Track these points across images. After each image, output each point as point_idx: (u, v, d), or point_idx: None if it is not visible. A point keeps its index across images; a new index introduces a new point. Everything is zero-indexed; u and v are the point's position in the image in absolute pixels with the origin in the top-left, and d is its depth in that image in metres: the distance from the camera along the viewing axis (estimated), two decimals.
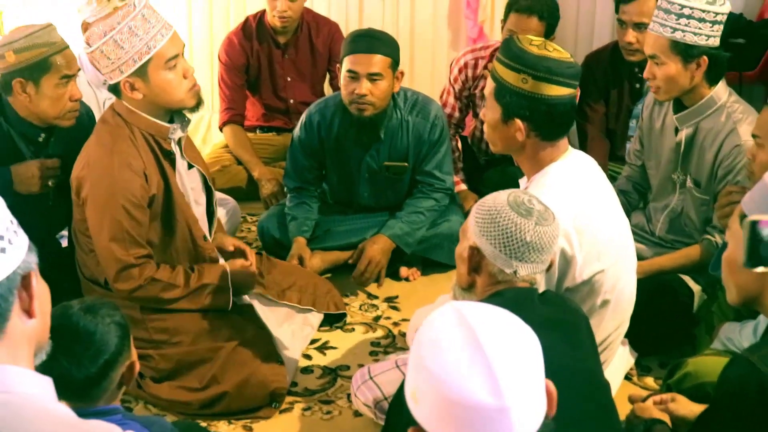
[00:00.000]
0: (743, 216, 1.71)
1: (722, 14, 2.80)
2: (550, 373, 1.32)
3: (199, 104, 2.79)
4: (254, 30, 4.35)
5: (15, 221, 1.36)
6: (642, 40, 3.51)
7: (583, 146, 3.92)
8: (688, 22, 2.78)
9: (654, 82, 2.91)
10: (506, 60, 2.30)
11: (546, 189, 2.25)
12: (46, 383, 1.38)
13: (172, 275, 2.78)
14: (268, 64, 4.39)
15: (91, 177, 2.69)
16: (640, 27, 3.56)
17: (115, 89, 2.71)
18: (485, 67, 3.85)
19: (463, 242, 2.01)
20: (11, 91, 2.89)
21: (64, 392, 1.83)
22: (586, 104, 3.88)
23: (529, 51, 2.26)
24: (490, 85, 2.36)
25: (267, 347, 2.85)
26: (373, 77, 3.33)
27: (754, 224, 1.51)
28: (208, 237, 2.95)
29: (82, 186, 2.71)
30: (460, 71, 3.98)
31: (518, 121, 2.30)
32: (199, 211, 2.95)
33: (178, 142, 2.83)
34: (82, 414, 1.45)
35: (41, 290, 1.40)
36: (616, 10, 3.70)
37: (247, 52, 4.36)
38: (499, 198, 1.95)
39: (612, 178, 3.68)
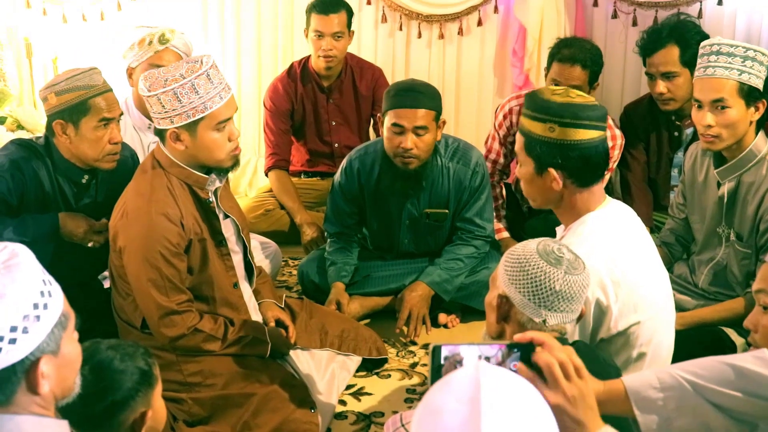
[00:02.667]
0: None
1: None
2: None
3: (234, 166, 2.82)
4: (299, 75, 4.41)
5: (41, 304, 1.37)
6: (673, 89, 3.51)
7: (626, 196, 3.90)
8: (753, 65, 2.78)
9: (712, 130, 2.86)
10: (531, 113, 2.30)
11: (582, 238, 2.24)
12: (62, 426, 1.40)
13: (214, 327, 2.80)
14: (312, 109, 4.44)
15: (128, 226, 2.72)
16: (669, 76, 3.56)
17: (160, 134, 2.75)
18: None
19: (493, 291, 2.00)
20: (54, 133, 2.95)
21: (74, 425, 1.83)
22: (628, 153, 3.87)
23: (552, 100, 2.26)
24: (519, 141, 2.36)
25: (301, 392, 2.84)
26: (418, 131, 3.34)
27: None
28: (239, 285, 2.96)
29: (118, 235, 2.74)
30: (505, 117, 3.98)
31: (552, 171, 2.29)
32: (236, 259, 2.97)
33: (215, 192, 2.86)
34: None
35: (68, 357, 1.42)
36: (644, 64, 3.70)
37: (292, 97, 4.42)
38: (528, 246, 1.93)
39: (657, 228, 3.67)
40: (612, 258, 2.22)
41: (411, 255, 3.70)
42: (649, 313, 2.29)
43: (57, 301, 1.40)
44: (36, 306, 1.37)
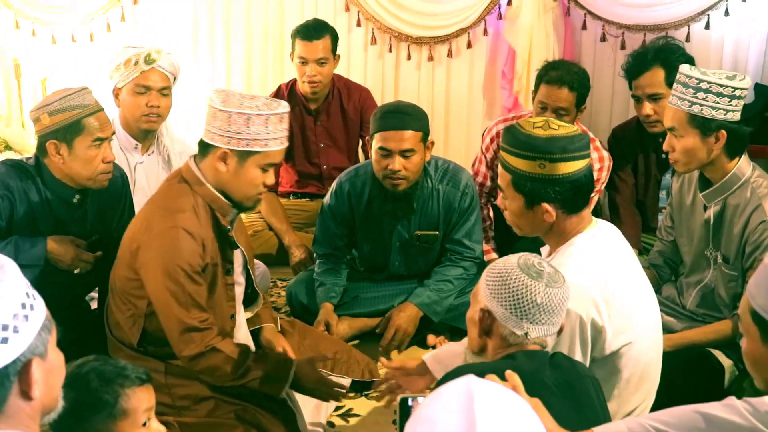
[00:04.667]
0: (752, 310, 1.68)
1: (741, 89, 2.78)
2: None
3: (252, 208, 2.84)
4: (286, 97, 4.39)
5: (28, 304, 1.37)
6: (659, 111, 3.51)
7: (614, 218, 3.91)
8: (706, 96, 2.77)
9: (673, 154, 2.90)
10: (516, 150, 2.29)
11: (572, 259, 2.24)
12: None
13: (234, 350, 2.72)
14: (300, 132, 4.44)
15: (152, 240, 2.67)
16: (655, 98, 3.57)
17: (204, 147, 2.73)
18: None
19: (474, 306, 2.02)
20: (46, 154, 2.93)
21: None
22: (616, 175, 3.88)
23: (536, 135, 2.25)
24: (505, 177, 2.34)
25: (291, 424, 2.80)
26: (405, 153, 3.34)
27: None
28: (236, 317, 2.94)
29: (140, 249, 2.68)
30: (492, 140, 3.98)
31: (545, 205, 2.29)
32: (238, 291, 2.95)
33: (232, 221, 2.84)
34: None
35: (52, 365, 1.41)
36: (630, 87, 3.71)
37: None
38: (509, 261, 1.96)
39: (645, 250, 3.68)
40: (601, 277, 2.22)
41: (401, 276, 3.70)
42: (638, 333, 2.29)
43: (40, 305, 1.39)
44: (24, 306, 1.36)
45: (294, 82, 4.44)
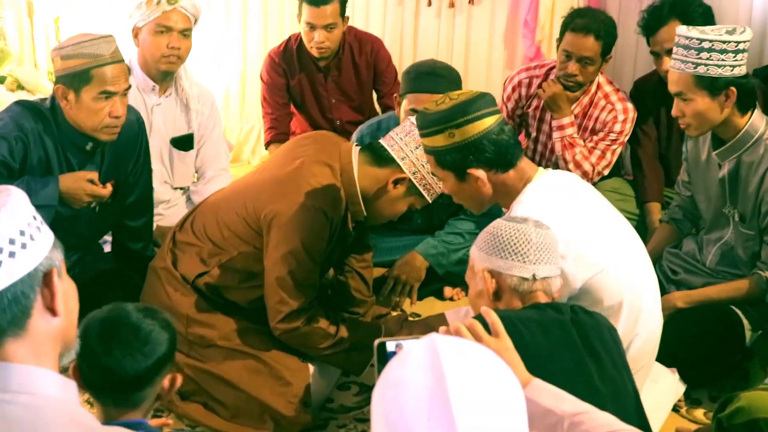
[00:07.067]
0: None
1: (744, 42, 2.73)
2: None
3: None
4: (294, 52, 4.28)
5: (39, 217, 1.35)
6: None
7: (636, 171, 3.87)
8: (710, 56, 2.72)
9: (684, 119, 2.86)
10: (427, 129, 2.32)
11: (522, 205, 2.26)
12: (71, 387, 1.36)
13: (326, 322, 2.71)
14: (311, 88, 4.34)
15: (291, 216, 2.61)
16: None
17: (385, 160, 2.72)
18: (539, 86, 3.79)
19: (474, 279, 2.03)
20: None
21: (107, 392, 1.83)
22: (638, 128, 3.81)
23: (439, 110, 2.30)
24: (430, 161, 2.39)
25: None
26: None
27: None
28: None
29: (276, 216, 2.63)
30: (513, 90, 3.92)
31: (473, 171, 2.30)
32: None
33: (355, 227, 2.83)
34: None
35: (67, 288, 1.38)
36: (648, 44, 3.66)
37: (288, 76, 4.32)
38: (492, 223, 2.02)
39: (667, 204, 3.63)
40: (557, 215, 2.21)
41: (421, 230, 3.64)
42: (610, 262, 2.26)
43: (46, 233, 1.36)
44: (35, 218, 1.33)
45: None
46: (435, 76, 3.26)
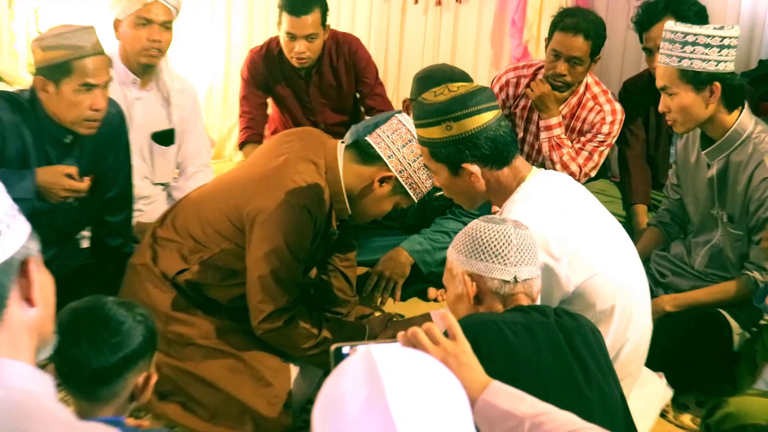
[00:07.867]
0: None
1: (730, 38, 2.72)
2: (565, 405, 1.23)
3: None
4: (276, 56, 4.20)
5: (15, 206, 1.30)
6: None
7: (624, 172, 3.85)
8: (694, 49, 2.71)
9: (670, 114, 2.85)
10: (423, 120, 2.27)
11: (517, 205, 2.22)
12: (47, 381, 1.33)
13: (308, 323, 2.68)
14: (293, 94, 4.27)
15: (274, 213, 2.57)
16: None
17: (371, 158, 2.67)
18: (527, 86, 3.76)
19: (452, 283, 1.97)
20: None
21: (75, 384, 1.79)
22: (627, 129, 3.80)
23: (437, 101, 2.24)
24: (424, 153, 2.34)
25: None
26: None
27: None
28: None
29: (259, 213, 2.59)
30: (501, 89, 3.89)
31: (467, 166, 2.25)
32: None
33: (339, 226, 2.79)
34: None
35: (44, 279, 1.35)
36: (641, 40, 3.65)
37: (268, 77, 4.24)
38: (469, 225, 1.96)
39: (654, 207, 3.61)
40: (552, 216, 2.19)
41: (412, 230, 3.60)
42: (604, 265, 2.23)
43: (21, 223, 1.31)
44: (11, 206, 1.28)
45: None
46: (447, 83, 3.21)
